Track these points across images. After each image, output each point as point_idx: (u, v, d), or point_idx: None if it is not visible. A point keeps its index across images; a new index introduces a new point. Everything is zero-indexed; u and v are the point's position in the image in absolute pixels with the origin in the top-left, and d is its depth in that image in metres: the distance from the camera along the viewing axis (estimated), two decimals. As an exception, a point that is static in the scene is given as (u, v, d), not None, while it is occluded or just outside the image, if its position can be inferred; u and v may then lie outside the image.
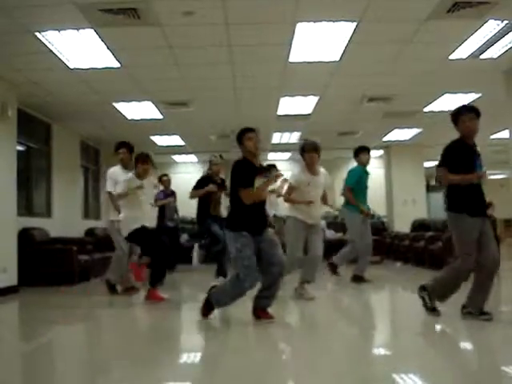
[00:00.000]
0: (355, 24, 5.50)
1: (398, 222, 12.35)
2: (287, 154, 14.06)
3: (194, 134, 11.15)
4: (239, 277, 4.30)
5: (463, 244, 4.26)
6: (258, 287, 4.47)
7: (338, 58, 6.51)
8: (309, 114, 9.44)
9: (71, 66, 6.46)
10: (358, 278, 7.07)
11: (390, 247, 11.09)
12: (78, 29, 5.41)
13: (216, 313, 4.66)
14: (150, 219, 6.22)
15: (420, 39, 5.92)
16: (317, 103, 8.71)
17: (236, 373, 3.11)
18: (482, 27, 5.63)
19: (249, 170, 4.43)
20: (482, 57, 6.51)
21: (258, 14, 5.28)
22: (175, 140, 11.69)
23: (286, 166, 13.09)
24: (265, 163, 5.97)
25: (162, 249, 5.82)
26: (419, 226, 10.58)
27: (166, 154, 13.41)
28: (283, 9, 5.16)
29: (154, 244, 5.81)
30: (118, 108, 8.66)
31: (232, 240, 4.39)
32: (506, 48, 6.21)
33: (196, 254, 10.57)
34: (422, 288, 4.56)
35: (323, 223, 5.89)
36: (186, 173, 14.07)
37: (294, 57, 6.44)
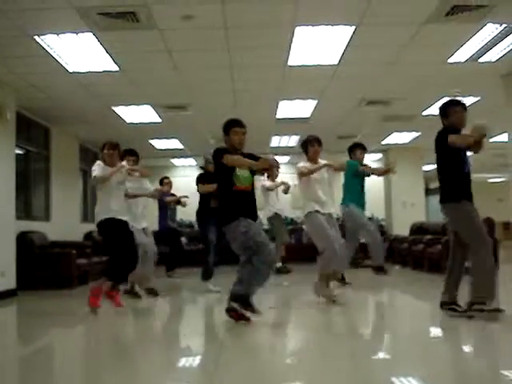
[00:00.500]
0: (354, 28, 5.52)
1: (396, 225, 12.36)
2: (286, 158, 14.05)
3: (192, 137, 11.15)
4: (253, 259, 4.29)
5: (477, 225, 4.25)
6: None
7: (336, 62, 6.53)
8: (308, 118, 9.44)
9: (70, 70, 6.47)
10: (379, 269, 6.94)
11: (388, 250, 11.05)
12: (77, 32, 5.42)
13: (216, 313, 4.62)
14: (125, 213, 5.61)
15: (418, 43, 5.93)
16: (316, 107, 8.72)
17: (236, 375, 3.10)
18: (481, 31, 5.65)
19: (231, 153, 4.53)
20: (480, 60, 6.53)
21: (257, 18, 5.29)
22: (174, 143, 11.68)
23: (284, 169, 13.06)
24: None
25: (130, 249, 5.41)
26: (418, 229, 10.56)
27: (164, 158, 13.43)
28: (282, 13, 5.18)
29: (123, 240, 5.39)
30: (117, 111, 8.66)
31: (233, 230, 4.39)
32: (505, 51, 6.23)
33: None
34: (470, 305, 4.25)
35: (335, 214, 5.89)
36: (185, 176, 14.05)
37: (292, 60, 6.45)
